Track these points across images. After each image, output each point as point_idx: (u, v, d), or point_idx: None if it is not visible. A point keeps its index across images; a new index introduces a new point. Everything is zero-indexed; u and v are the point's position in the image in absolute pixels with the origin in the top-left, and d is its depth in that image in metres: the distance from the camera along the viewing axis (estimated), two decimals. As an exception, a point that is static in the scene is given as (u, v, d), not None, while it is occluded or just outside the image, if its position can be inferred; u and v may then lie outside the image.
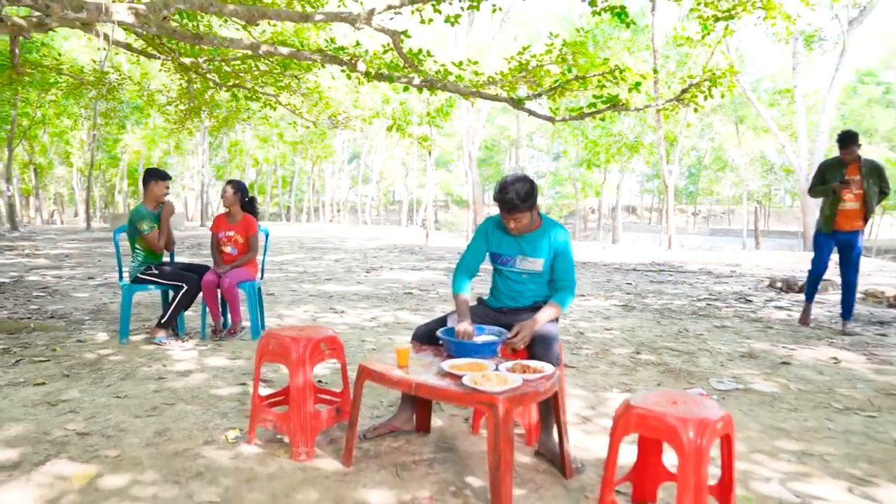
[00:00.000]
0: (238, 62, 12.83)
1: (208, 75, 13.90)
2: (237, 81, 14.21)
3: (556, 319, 3.07)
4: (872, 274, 11.47)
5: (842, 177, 5.66)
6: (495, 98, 11.73)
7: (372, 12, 8.64)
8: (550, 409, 2.81)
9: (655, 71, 16.84)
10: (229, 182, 5.37)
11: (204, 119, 19.42)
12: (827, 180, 5.77)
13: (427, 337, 3.13)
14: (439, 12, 10.37)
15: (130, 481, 2.60)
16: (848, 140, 5.61)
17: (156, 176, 5.01)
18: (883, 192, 5.74)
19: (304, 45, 12.76)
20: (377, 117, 19.40)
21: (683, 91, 11.49)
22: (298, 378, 2.83)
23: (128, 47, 10.26)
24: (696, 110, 12.40)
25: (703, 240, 41.39)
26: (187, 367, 4.33)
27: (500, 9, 10.00)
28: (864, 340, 5.68)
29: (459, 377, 2.52)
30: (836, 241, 5.85)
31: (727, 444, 2.21)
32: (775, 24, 11.53)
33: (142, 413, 3.39)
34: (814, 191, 5.93)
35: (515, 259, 3.14)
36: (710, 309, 7.29)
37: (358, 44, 11.03)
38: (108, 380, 3.99)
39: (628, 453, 2.68)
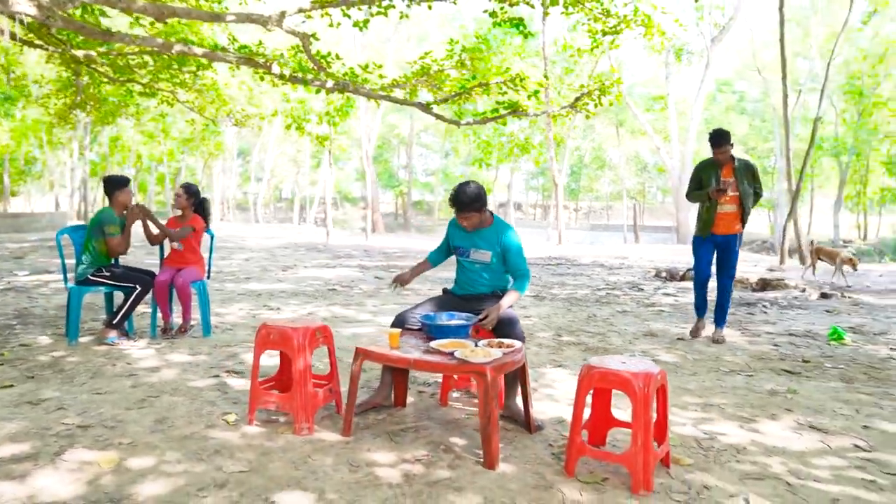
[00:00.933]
0: (135, 56, 12.47)
1: (101, 69, 13.37)
2: (131, 77, 13.78)
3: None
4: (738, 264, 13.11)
5: (717, 179, 5.45)
6: (404, 102, 12.25)
7: (283, 14, 8.90)
8: (516, 376, 3.40)
9: (546, 77, 18.01)
10: (182, 186, 5.56)
11: (88, 113, 18.45)
12: (703, 183, 5.55)
13: (404, 323, 3.61)
14: (348, 17, 10.74)
15: (157, 461, 2.89)
16: (720, 139, 5.34)
17: (119, 185, 5.15)
18: (756, 194, 5.57)
19: (202, 42, 12.64)
20: (276, 115, 19.31)
21: (577, 99, 12.62)
22: (299, 362, 3.23)
23: (12, 37, 9.80)
24: (587, 116, 13.60)
25: (585, 235, 44.00)
26: (152, 364, 4.52)
27: (407, 17, 10.52)
28: (738, 319, 6.77)
29: (449, 353, 3.04)
30: (714, 243, 5.63)
31: (663, 392, 2.89)
32: (652, 39, 12.92)
33: (132, 406, 3.62)
34: (690, 196, 5.67)
35: (469, 251, 3.71)
36: (610, 297, 8.22)
37: (260, 43, 11.17)
38: (79, 379, 4.13)
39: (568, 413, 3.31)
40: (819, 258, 10.91)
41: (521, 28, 12.61)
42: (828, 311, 7.30)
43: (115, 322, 5.09)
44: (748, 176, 5.48)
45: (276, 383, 3.57)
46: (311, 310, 6.86)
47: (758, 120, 39.56)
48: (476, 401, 3.83)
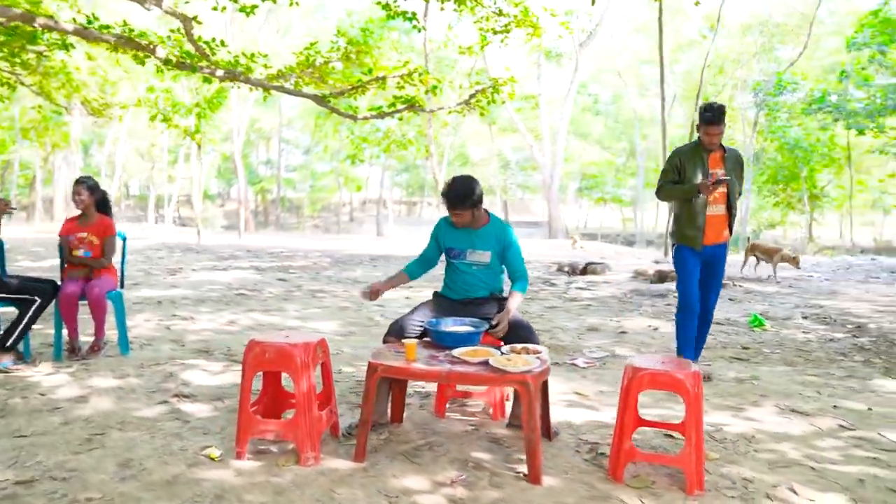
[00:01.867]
0: (-32, 32, 10.77)
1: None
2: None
3: None
4: (642, 257, 13.85)
5: (704, 170, 4.17)
6: (300, 94, 11.61)
7: (163, -8, 8.06)
8: (532, 384, 3.22)
9: (426, 72, 17.91)
10: (80, 182, 4.73)
11: None
12: (686, 175, 4.20)
13: (403, 331, 3.30)
14: (235, 1, 10.00)
15: (150, 515, 2.38)
16: (720, 115, 4.06)
17: None
18: (739, 194, 4.37)
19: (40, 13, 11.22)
20: (140, 106, 17.56)
21: (471, 96, 12.66)
22: (303, 383, 2.83)
23: None
24: (482, 114, 13.70)
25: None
26: (74, 392, 3.81)
27: (297, 4, 9.96)
28: (660, 310, 7.08)
29: (481, 362, 2.80)
30: (704, 254, 4.27)
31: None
32: (537, 38, 13.32)
33: (78, 449, 2.99)
34: (666, 192, 4.32)
35: (465, 252, 3.46)
36: (529, 293, 8.29)
37: (125, 23, 10.10)
38: (-14, 419, 3.37)
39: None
40: (755, 255, 10.79)
41: (414, 22, 12.48)
42: (731, 300, 7.86)
43: (9, 344, 4.26)
44: (738, 169, 4.29)
45: (259, 407, 3.11)
46: (232, 318, 6.22)
47: (611, 120, 42.39)
48: (473, 409, 3.62)
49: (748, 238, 12.08)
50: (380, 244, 18.61)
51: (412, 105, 11.90)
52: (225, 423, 3.33)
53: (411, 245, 18.22)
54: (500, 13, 12.58)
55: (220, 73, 10.21)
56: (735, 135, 31.79)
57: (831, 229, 37.19)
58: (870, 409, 3.78)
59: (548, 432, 3.15)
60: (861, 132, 22.93)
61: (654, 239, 35.72)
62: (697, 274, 4.25)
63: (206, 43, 10.38)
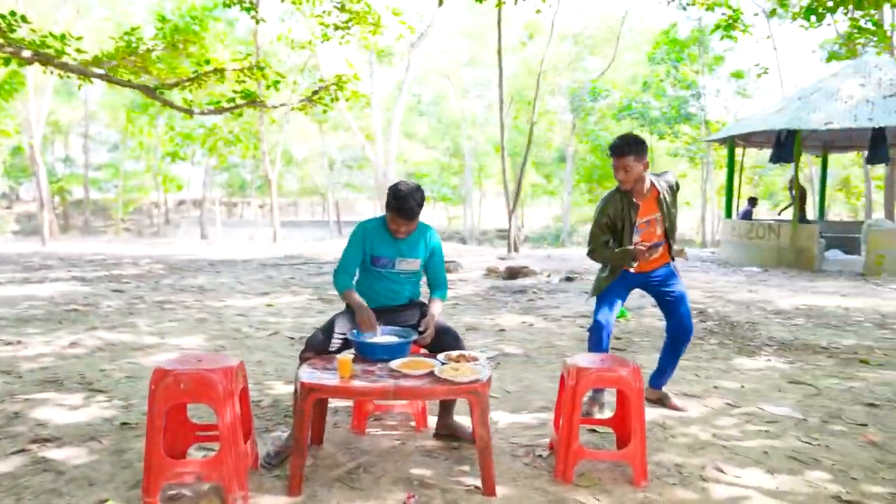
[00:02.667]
0: None
1: None
2: None
3: None
4: (484, 254, 14.21)
5: (631, 220, 3.49)
6: (127, 84, 10.44)
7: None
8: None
9: (268, 66, 17.10)
10: None
11: None
12: (617, 230, 3.55)
13: (321, 345, 3.04)
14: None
15: None
16: (624, 145, 3.39)
17: None
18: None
19: None
20: None
21: (314, 93, 12.25)
22: (227, 415, 2.47)
23: None
24: (324, 111, 13.31)
25: (286, 232, 43.20)
26: None
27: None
28: (525, 306, 7.34)
29: (425, 374, 2.64)
30: (631, 280, 3.66)
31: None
32: (378, 35, 13.28)
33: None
34: (598, 255, 3.65)
35: (395, 261, 3.27)
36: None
37: None
38: None
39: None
40: None
41: (253, 12, 11.77)
42: (586, 293, 8.37)
43: None
44: (673, 199, 3.61)
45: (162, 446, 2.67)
46: (72, 339, 5.36)
47: (435, 121, 43.48)
48: (392, 423, 3.44)
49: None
50: (210, 248, 17.33)
51: (253, 100, 11.22)
52: (112, 468, 2.82)
53: (247, 249, 17.23)
54: (343, 8, 12.32)
55: (26, 53, 8.82)
56: (553, 137, 34.29)
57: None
58: (742, 386, 4.19)
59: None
60: (662, 137, 25.89)
61: (478, 236, 37.46)
62: (619, 295, 3.63)
63: (0, 16, 8.93)
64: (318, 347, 3.03)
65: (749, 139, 13.02)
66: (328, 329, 3.12)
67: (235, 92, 11.05)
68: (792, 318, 6.61)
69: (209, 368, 2.49)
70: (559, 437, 2.77)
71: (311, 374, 2.66)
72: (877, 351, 5.25)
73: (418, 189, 3.11)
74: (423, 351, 3.15)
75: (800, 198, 11.28)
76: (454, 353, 2.91)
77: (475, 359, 2.85)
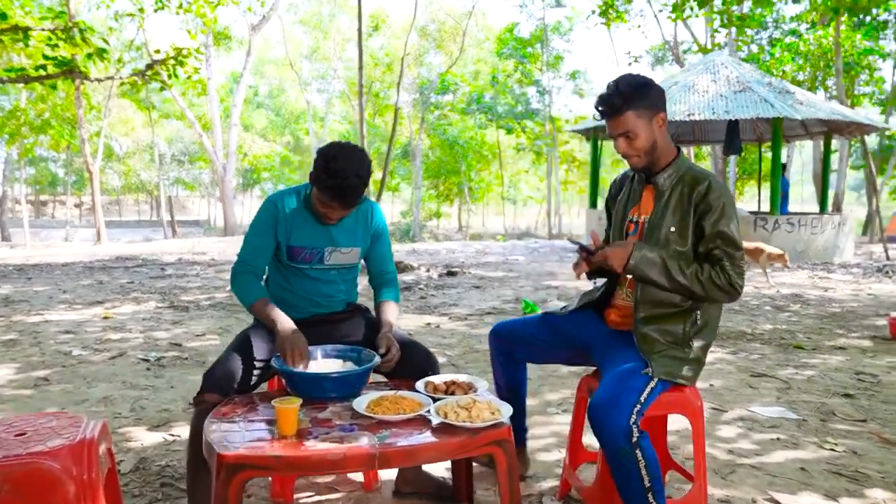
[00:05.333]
0: None
1: None
2: None
3: None
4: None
5: (624, 213, 2.18)
6: None
7: None
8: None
9: (91, 29, 14.66)
10: None
11: None
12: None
13: (227, 383, 1.98)
14: None
15: None
16: (621, 100, 1.94)
17: None
18: (718, 261, 2.00)
19: None
20: None
21: (149, 66, 10.46)
22: (88, 527, 1.36)
23: None
24: (161, 89, 11.48)
25: (109, 233, 38.52)
26: None
27: None
28: (421, 306, 6.51)
29: (418, 421, 1.71)
30: (580, 334, 2.22)
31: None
32: (221, 5, 11.86)
33: None
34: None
35: (324, 252, 2.28)
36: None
37: None
38: None
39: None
40: None
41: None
42: (476, 287, 7.72)
43: None
44: (695, 208, 1.98)
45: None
46: None
47: (273, 114, 41.18)
48: (330, 481, 2.44)
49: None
50: (16, 252, 14.45)
51: (71, 70, 9.21)
52: None
53: (65, 251, 14.57)
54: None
55: None
56: (402, 131, 33.70)
57: (476, 219, 42.31)
58: (711, 385, 3.70)
59: (467, 492, 2.18)
60: (509, 132, 26.33)
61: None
62: (550, 341, 2.25)
63: None
64: (227, 384, 1.97)
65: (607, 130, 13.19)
66: (243, 353, 2.06)
67: (47, 59, 8.98)
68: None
69: (44, 451, 1.36)
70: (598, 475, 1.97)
71: (228, 437, 1.62)
72: (798, 335, 5.11)
73: (362, 157, 2.09)
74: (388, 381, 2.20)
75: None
76: (438, 380, 2.00)
77: (472, 386, 1.97)
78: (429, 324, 5.53)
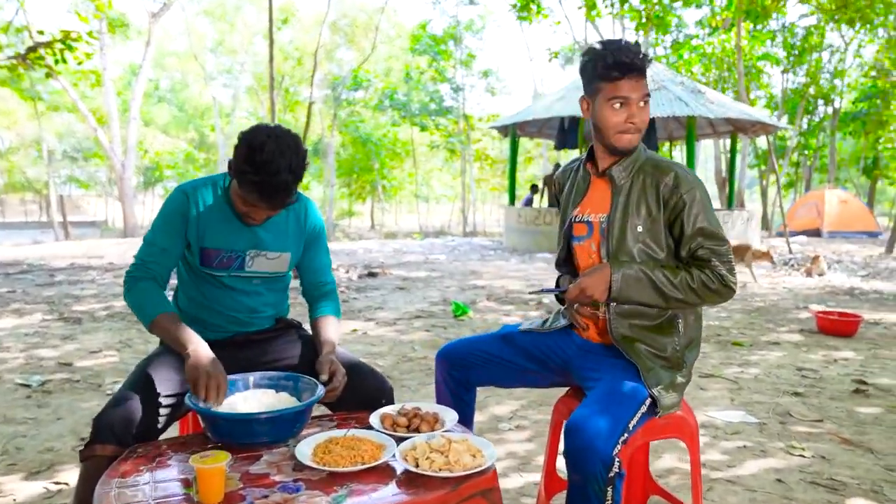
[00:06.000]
0: None
1: None
2: None
3: None
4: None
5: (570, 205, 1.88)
6: None
7: None
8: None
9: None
10: None
11: None
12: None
13: (124, 429, 1.54)
14: None
15: None
16: (641, 60, 1.65)
17: None
18: (704, 262, 1.73)
19: None
20: None
21: (31, 49, 9.44)
22: None
23: None
24: (48, 76, 10.43)
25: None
26: None
27: None
28: (343, 309, 6.09)
29: (382, 470, 1.36)
30: (554, 346, 1.88)
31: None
32: None
33: None
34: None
35: (245, 256, 1.87)
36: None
37: None
38: None
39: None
40: None
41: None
42: (400, 289, 7.37)
43: None
44: (665, 204, 1.70)
45: None
46: None
47: (176, 109, 39.13)
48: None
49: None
50: None
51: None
52: None
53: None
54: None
55: None
56: (313, 128, 32.72)
57: (389, 217, 41.78)
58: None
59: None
60: (423, 129, 26.07)
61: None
62: (499, 352, 1.92)
63: None
64: (125, 431, 1.53)
65: (524, 127, 13.22)
66: (143, 390, 1.62)
67: None
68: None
69: None
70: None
71: (133, 509, 1.20)
72: (732, 331, 5.11)
73: (297, 146, 1.68)
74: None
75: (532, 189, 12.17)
76: (391, 411, 1.65)
77: (438, 418, 1.63)
78: (355, 330, 5.14)
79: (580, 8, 11.88)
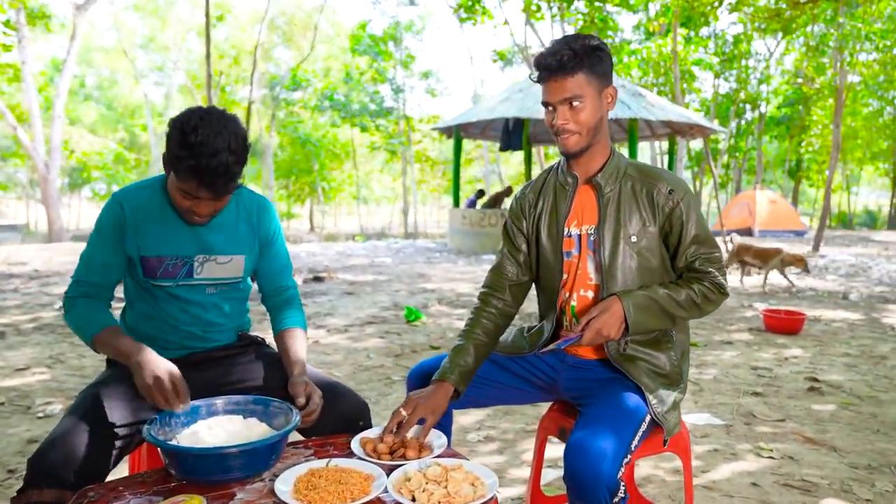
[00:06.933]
0: None
1: None
2: None
3: None
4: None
5: (559, 225, 1.70)
6: None
7: None
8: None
9: None
10: None
11: None
12: (530, 251, 1.78)
13: (62, 467, 1.35)
14: None
15: None
16: (590, 55, 1.56)
17: None
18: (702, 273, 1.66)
19: None
20: None
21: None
22: None
23: None
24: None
25: None
26: None
27: None
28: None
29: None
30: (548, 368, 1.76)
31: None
32: None
33: None
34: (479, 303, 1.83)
35: (194, 262, 1.69)
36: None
37: None
38: None
39: None
40: (743, 260, 7.84)
41: None
42: (349, 294, 7.18)
43: None
44: (661, 213, 1.62)
45: None
46: None
47: (103, 107, 37.49)
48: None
49: (730, 238, 8.72)
50: None
51: None
52: None
53: None
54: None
55: None
56: (251, 129, 31.86)
57: (329, 219, 41.16)
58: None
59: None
60: (364, 130, 25.75)
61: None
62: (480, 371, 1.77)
63: None
64: (68, 472, 1.34)
65: (467, 129, 13.20)
66: (92, 420, 1.43)
67: None
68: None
69: None
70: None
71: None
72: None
73: (234, 125, 1.52)
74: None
75: (505, 191, 12.29)
76: (372, 437, 1.51)
77: (423, 445, 1.50)
78: (307, 338, 4.93)
79: (523, 11, 11.96)
